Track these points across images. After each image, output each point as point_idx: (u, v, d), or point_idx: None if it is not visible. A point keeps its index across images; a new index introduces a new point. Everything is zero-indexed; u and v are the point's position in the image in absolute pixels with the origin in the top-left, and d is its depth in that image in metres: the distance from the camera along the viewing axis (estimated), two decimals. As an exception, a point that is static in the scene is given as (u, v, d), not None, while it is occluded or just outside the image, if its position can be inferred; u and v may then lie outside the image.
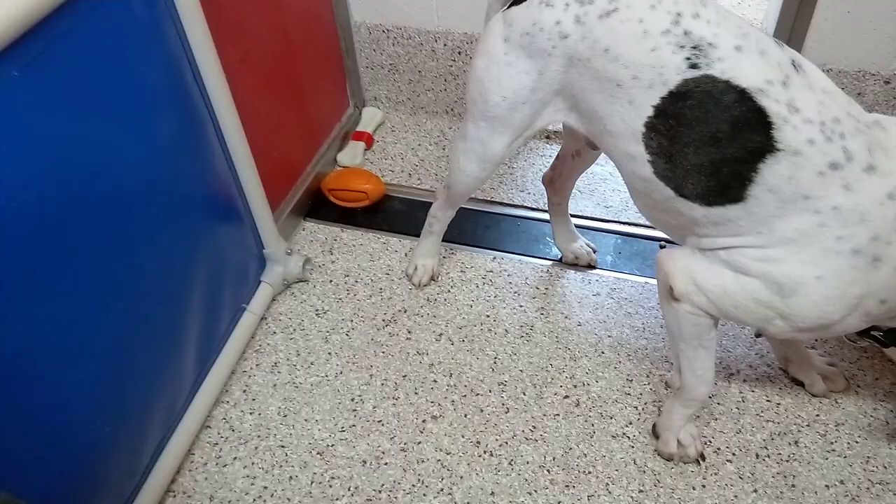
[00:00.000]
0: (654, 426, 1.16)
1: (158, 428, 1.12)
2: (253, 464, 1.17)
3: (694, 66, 0.83)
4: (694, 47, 0.83)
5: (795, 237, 0.83)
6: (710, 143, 0.83)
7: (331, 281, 1.47)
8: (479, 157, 1.13)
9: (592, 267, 1.46)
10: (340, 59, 1.78)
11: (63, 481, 0.93)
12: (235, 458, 1.18)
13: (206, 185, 1.19)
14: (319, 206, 1.64)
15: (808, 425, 1.15)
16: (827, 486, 1.08)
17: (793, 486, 1.08)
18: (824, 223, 0.81)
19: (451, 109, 1.84)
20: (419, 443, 1.17)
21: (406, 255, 1.51)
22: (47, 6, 0.77)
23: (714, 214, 0.87)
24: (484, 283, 1.44)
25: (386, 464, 1.15)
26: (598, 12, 0.89)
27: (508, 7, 1.00)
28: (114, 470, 1.03)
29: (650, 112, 0.87)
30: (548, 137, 1.77)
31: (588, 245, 1.46)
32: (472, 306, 1.39)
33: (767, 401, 1.19)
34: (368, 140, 1.80)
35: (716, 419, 1.17)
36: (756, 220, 0.84)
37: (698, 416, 1.16)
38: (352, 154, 1.76)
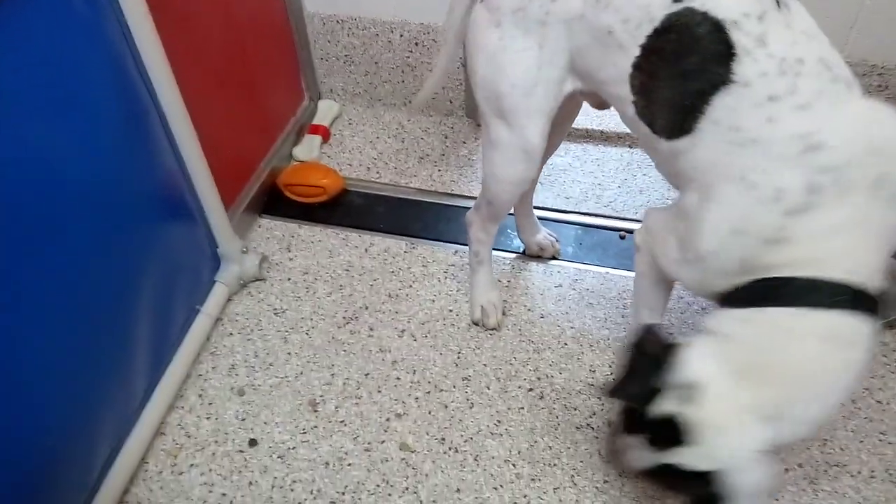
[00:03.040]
0: None
1: (109, 437, 1.08)
2: (210, 470, 1.13)
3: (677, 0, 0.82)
4: None
5: (712, 167, 0.83)
6: (681, 75, 0.83)
7: (289, 279, 1.43)
8: (520, 155, 1.06)
9: (554, 258, 1.45)
10: (294, 50, 1.74)
11: (5, 498, 0.88)
12: (192, 465, 1.14)
13: (153, 184, 1.14)
14: (275, 203, 1.60)
15: (767, 410, 1.17)
16: (786, 469, 1.09)
17: (753, 470, 1.10)
18: (739, 153, 0.80)
19: (409, 101, 1.81)
20: (383, 442, 1.15)
21: (366, 250, 1.48)
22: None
23: (672, 148, 0.87)
24: (446, 278, 1.42)
25: (349, 465, 1.13)
26: None
27: None
28: (61, 483, 0.98)
29: (637, 52, 0.87)
30: (507, 129, 1.76)
31: (551, 236, 1.46)
32: (434, 301, 1.38)
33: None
34: (325, 133, 1.76)
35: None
36: (696, 154, 0.84)
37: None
38: (308, 148, 1.72)
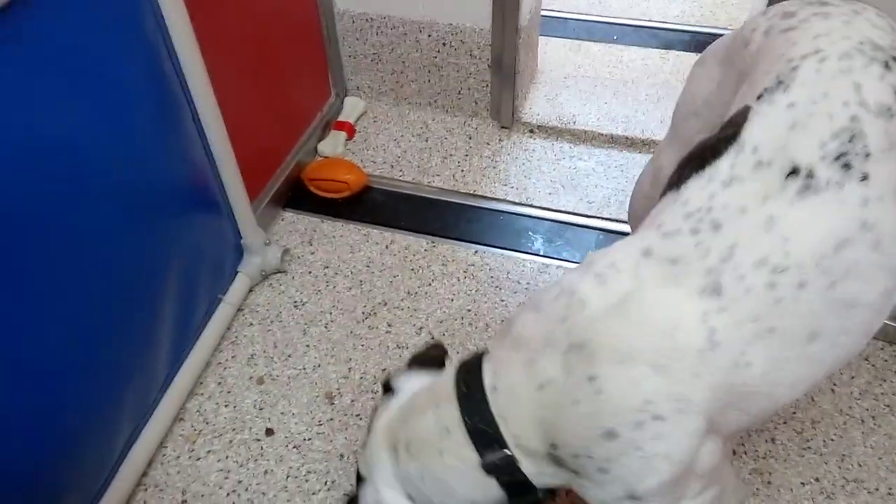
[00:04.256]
0: None
1: (130, 420, 1.10)
2: (227, 457, 1.15)
3: (759, 97, 0.69)
4: (780, 82, 0.68)
5: None
6: (687, 158, 0.75)
7: (310, 272, 1.44)
8: (652, 171, 1.01)
9: None
10: (322, 47, 1.75)
11: (28, 476, 0.90)
12: (209, 451, 1.16)
13: (182, 174, 1.16)
14: (299, 197, 1.61)
15: (784, 423, 1.16)
16: (802, 483, 1.08)
17: (769, 482, 1.09)
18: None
19: (435, 101, 1.82)
20: (397, 437, 1.16)
21: (387, 247, 1.49)
22: (16, -17, 0.75)
23: None
24: (465, 277, 1.43)
25: (363, 458, 1.14)
26: (784, 27, 0.74)
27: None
28: (82, 464, 1.00)
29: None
30: (531, 132, 1.76)
31: None
32: (453, 300, 1.38)
33: (745, 398, 1.20)
34: (350, 130, 1.77)
35: (694, 416, 1.17)
36: None
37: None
38: (333, 144, 1.73)
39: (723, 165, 0.66)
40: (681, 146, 0.90)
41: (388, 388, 0.85)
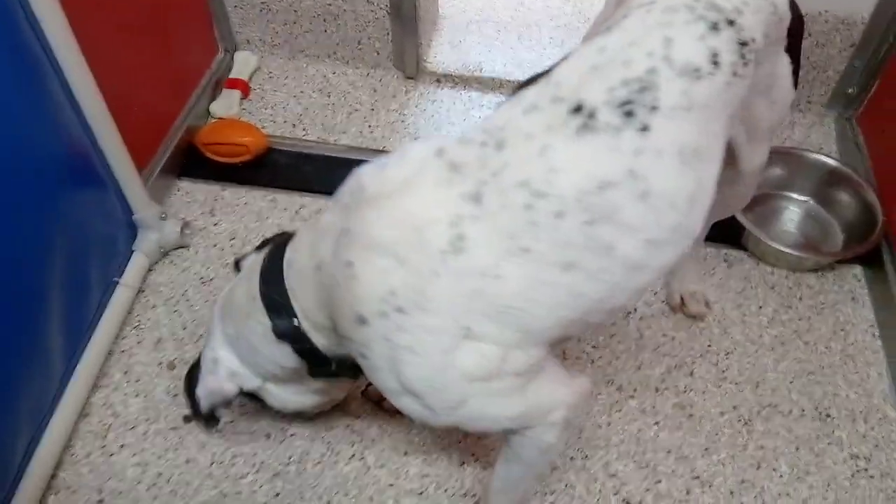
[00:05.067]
0: None
1: (28, 422, 1.00)
2: (143, 450, 1.07)
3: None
4: (608, 28, 0.70)
5: None
6: None
7: (215, 245, 1.35)
8: None
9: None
10: (205, -4, 1.61)
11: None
12: (122, 445, 1.07)
13: (52, 148, 1.03)
14: (195, 164, 1.49)
15: (701, 356, 1.21)
16: (721, 412, 1.14)
17: (690, 415, 1.13)
18: None
19: (334, 53, 1.72)
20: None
21: (297, 212, 1.41)
22: None
23: None
24: (382, 238, 1.38)
25: (292, 435, 1.09)
26: None
27: None
28: (-25, 478, 0.90)
29: None
30: (438, 81, 1.70)
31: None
32: (370, 262, 1.33)
33: (663, 336, 1.24)
34: (244, 88, 1.65)
35: (617, 357, 1.20)
36: None
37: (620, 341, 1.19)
38: (226, 104, 1.61)
39: (529, 94, 0.68)
40: None
41: (238, 269, 0.96)
